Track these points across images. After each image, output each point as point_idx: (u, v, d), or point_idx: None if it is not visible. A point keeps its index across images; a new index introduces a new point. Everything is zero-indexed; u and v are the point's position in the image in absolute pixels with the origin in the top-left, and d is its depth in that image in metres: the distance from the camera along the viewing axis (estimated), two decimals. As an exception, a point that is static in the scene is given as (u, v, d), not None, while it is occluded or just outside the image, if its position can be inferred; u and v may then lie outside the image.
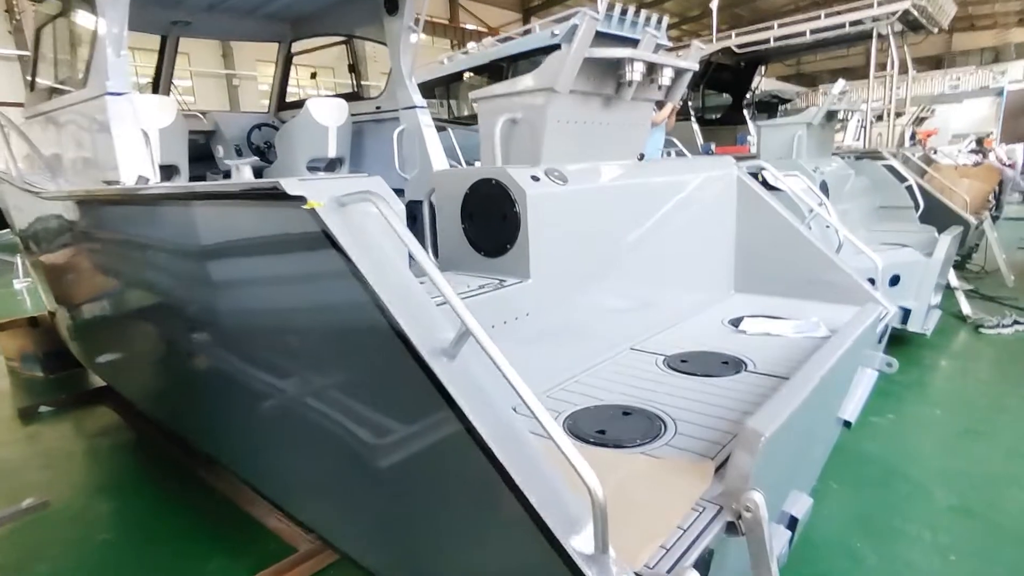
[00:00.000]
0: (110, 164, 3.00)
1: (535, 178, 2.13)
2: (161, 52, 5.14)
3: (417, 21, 4.23)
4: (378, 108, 4.69)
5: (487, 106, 2.37)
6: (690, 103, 7.67)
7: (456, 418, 1.27)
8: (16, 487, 3.08)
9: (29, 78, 4.24)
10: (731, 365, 2.31)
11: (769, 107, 9.80)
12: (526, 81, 2.21)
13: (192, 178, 4.20)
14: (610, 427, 1.84)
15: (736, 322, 2.83)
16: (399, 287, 1.39)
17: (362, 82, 5.60)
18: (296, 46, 5.41)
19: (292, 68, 5.56)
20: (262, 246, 1.63)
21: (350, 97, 4.96)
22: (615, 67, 2.28)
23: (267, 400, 1.80)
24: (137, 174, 2.96)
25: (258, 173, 4.39)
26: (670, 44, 6.55)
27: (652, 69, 2.42)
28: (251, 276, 1.72)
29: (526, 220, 2.06)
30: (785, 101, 10.50)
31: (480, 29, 23.02)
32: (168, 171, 3.88)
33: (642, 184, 2.69)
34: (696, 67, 2.58)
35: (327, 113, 4.48)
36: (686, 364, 2.34)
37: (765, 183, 3.62)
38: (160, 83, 5.29)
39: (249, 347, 1.81)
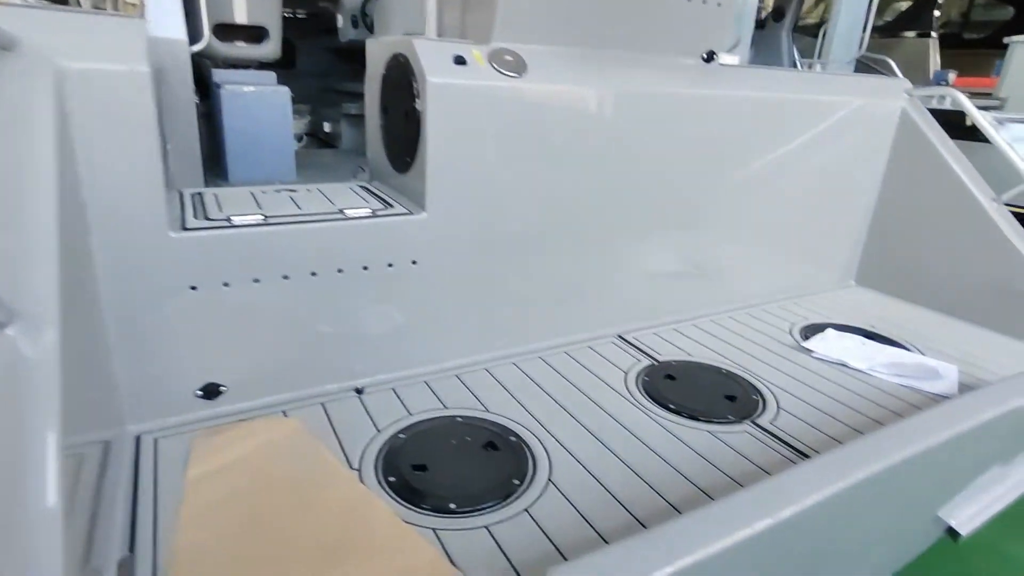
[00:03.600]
0: None
1: (459, 60, 1.37)
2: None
3: None
4: None
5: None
6: (936, 13, 5.56)
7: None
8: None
9: None
10: (738, 405, 1.44)
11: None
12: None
13: (307, 48, 3.99)
14: (441, 466, 1.18)
15: (810, 332, 1.85)
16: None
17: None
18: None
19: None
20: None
21: None
22: None
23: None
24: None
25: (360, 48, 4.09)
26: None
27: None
28: None
29: (426, 122, 1.35)
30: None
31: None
32: (257, 32, 3.66)
33: (696, 98, 1.74)
34: None
35: None
36: (671, 384, 1.52)
37: (962, 128, 2.31)
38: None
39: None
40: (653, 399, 1.45)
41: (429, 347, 1.51)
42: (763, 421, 1.37)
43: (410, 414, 1.34)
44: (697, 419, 1.37)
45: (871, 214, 2.23)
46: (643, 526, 1.02)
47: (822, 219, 2.15)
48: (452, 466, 1.17)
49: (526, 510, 1.06)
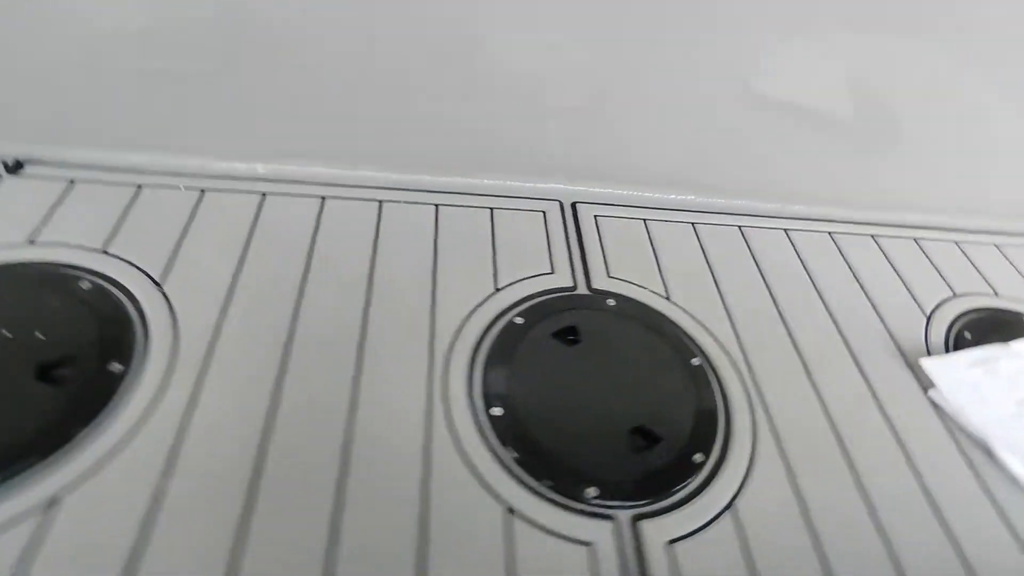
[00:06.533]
0: None
1: None
2: None
3: None
4: None
5: None
6: None
7: None
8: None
9: None
10: (648, 458, 0.63)
11: None
12: None
13: None
14: None
15: (978, 332, 0.84)
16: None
17: None
18: None
19: None
20: None
21: None
22: None
23: None
24: None
25: None
26: None
27: None
28: None
29: None
30: None
31: None
32: None
33: None
34: None
35: None
36: (558, 352, 0.72)
37: None
38: None
39: None
40: (485, 386, 0.67)
41: (131, 122, 0.84)
42: (653, 531, 0.57)
43: (12, 246, 0.73)
44: (533, 468, 0.61)
45: None
46: None
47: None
48: None
49: None
